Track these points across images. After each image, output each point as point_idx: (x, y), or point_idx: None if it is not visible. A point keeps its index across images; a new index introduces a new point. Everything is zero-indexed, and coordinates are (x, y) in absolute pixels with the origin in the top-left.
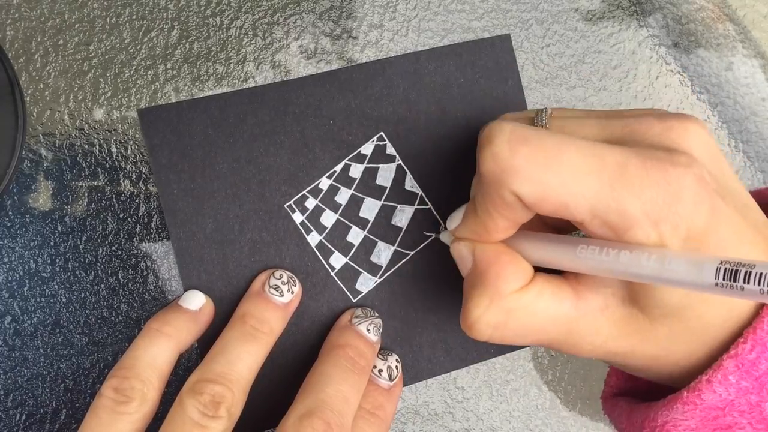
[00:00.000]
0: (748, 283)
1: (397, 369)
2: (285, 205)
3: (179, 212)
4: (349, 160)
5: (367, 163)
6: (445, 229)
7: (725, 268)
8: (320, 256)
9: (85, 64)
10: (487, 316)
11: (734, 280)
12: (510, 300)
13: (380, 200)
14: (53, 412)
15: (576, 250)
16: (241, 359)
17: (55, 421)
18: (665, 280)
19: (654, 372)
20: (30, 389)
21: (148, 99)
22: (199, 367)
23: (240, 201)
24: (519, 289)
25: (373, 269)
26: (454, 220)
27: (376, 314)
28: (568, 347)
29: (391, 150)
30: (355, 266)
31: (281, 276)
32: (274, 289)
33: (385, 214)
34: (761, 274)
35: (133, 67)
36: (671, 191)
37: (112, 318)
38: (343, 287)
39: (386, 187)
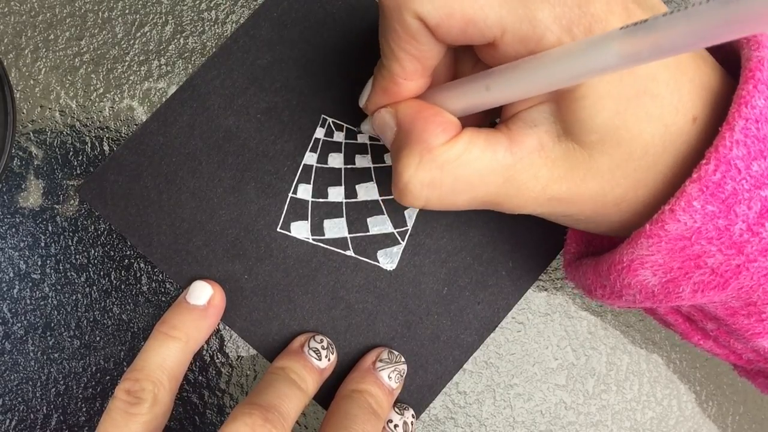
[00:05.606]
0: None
1: (412, 425)
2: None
3: (161, 251)
4: (309, 152)
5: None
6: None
7: (628, 26)
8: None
9: (76, 60)
10: (420, 174)
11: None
12: (440, 153)
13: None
14: (44, 417)
15: (489, 78)
16: (289, 397)
17: (47, 426)
18: (579, 70)
19: (602, 218)
20: (20, 394)
21: (141, 95)
22: (248, 396)
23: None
24: (448, 141)
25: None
26: (364, 95)
27: (403, 359)
28: (509, 199)
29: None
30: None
31: (321, 341)
32: (314, 351)
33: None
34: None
35: (126, 63)
36: None
37: (105, 320)
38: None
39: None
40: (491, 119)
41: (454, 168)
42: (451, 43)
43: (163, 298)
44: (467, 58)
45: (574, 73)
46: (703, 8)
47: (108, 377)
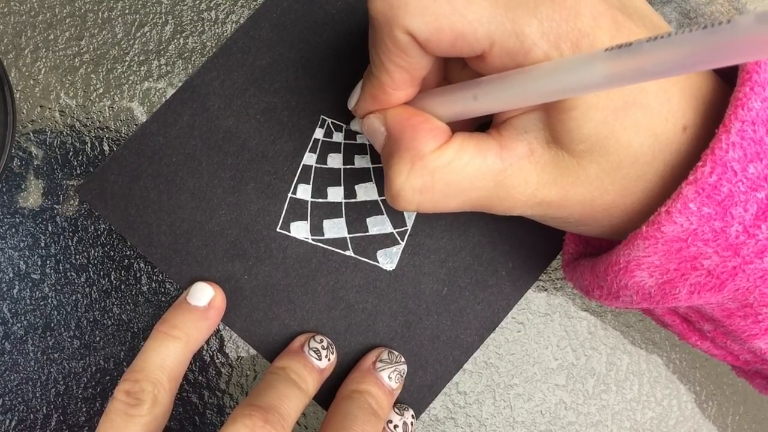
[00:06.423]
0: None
1: (412, 425)
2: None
3: (161, 251)
4: (309, 152)
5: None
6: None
7: (613, 48)
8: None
9: (76, 60)
10: (412, 180)
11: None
12: (431, 159)
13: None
14: (44, 417)
15: (477, 88)
16: (289, 397)
17: (46, 426)
18: (563, 87)
19: (593, 221)
20: (20, 394)
21: (141, 95)
22: (248, 397)
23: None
24: (439, 147)
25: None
26: (353, 98)
27: (403, 359)
28: (500, 202)
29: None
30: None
31: (321, 340)
32: (314, 351)
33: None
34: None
35: (126, 63)
36: (568, 6)
37: (105, 321)
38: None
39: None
40: (478, 123)
41: (445, 173)
42: (440, 56)
43: (163, 298)
44: (456, 63)
45: (559, 90)
46: (687, 36)
47: (108, 377)
